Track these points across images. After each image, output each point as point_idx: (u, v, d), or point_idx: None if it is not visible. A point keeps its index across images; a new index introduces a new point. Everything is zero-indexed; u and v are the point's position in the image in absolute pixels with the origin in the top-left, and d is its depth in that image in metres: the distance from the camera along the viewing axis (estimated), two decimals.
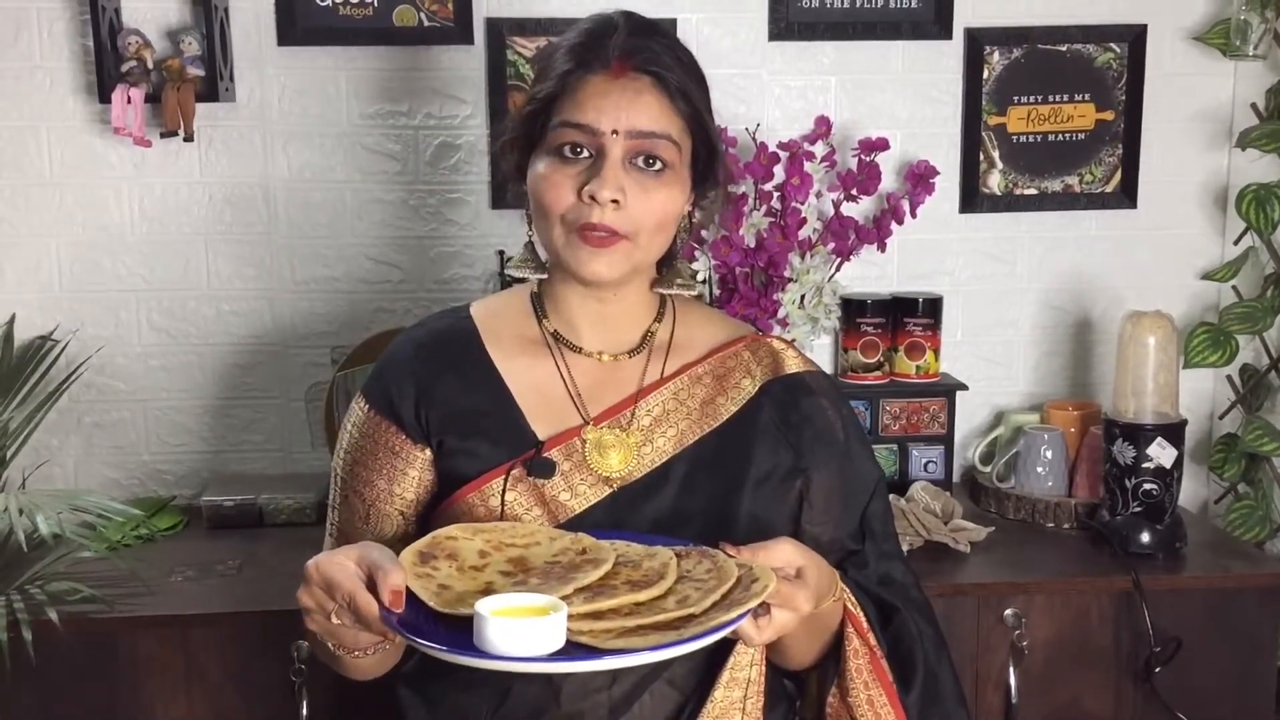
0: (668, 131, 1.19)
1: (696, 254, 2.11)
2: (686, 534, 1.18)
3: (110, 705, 1.73)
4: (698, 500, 1.23)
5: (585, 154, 1.19)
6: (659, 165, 1.19)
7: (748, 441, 1.26)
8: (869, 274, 2.25)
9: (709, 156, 1.26)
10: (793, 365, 1.32)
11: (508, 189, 2.13)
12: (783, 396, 1.29)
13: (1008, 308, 2.30)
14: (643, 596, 1.02)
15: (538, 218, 1.23)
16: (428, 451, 1.26)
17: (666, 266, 1.31)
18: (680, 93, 1.20)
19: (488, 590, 1.04)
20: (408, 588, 1.02)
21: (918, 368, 2.18)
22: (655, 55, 1.19)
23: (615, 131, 1.17)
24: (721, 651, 1.18)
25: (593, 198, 1.17)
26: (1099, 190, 2.27)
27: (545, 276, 1.30)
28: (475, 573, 1.07)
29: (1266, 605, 1.87)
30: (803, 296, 2.08)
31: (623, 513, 1.22)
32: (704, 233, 2.10)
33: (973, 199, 2.25)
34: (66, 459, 2.17)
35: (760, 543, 1.09)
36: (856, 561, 1.30)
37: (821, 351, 2.24)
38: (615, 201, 1.17)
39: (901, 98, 2.22)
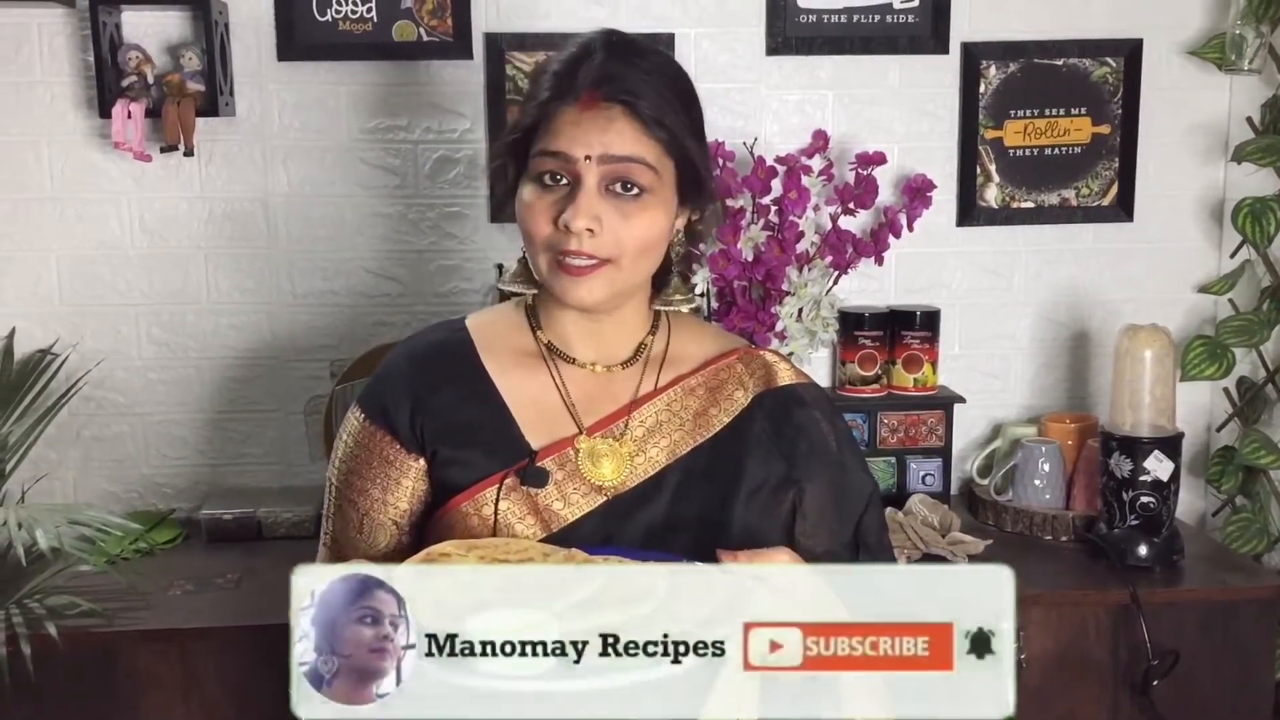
0: (642, 156, 1.18)
1: (694, 268, 2.11)
2: (679, 544, 1.18)
3: (108, 719, 1.73)
4: (690, 510, 1.23)
5: (563, 181, 1.19)
6: (636, 190, 1.19)
7: (740, 453, 1.26)
8: (867, 287, 2.25)
9: (696, 176, 1.24)
10: (785, 377, 1.33)
11: (507, 203, 2.15)
12: (775, 408, 1.30)
13: (1005, 321, 2.31)
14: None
15: (525, 242, 1.23)
16: (422, 461, 1.26)
17: (663, 283, 1.32)
18: (654, 119, 1.18)
19: None
20: None
21: (915, 380, 2.19)
22: (626, 84, 1.18)
23: (589, 157, 1.17)
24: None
25: (567, 227, 1.17)
26: (1095, 204, 2.27)
27: (536, 291, 1.30)
28: None
29: (1264, 618, 1.88)
30: (800, 310, 2.08)
31: (615, 522, 1.22)
32: (701, 246, 2.10)
33: (970, 212, 2.25)
34: (66, 472, 2.18)
35: (758, 550, 1.10)
36: None
37: (819, 365, 2.25)
38: (590, 230, 1.17)
39: (898, 112, 2.23)
